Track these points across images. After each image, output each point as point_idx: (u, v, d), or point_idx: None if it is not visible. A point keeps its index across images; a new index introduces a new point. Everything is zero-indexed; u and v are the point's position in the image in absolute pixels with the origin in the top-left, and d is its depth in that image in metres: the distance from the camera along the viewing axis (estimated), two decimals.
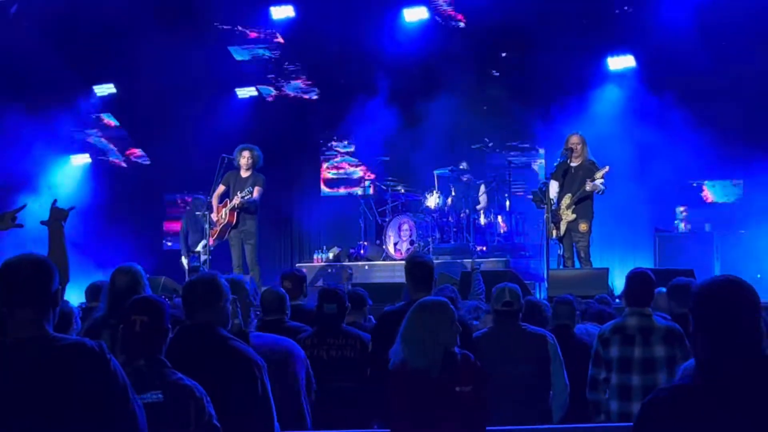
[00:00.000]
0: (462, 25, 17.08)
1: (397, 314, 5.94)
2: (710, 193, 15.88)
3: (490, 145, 16.11)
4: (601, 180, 11.86)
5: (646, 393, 5.66)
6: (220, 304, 4.47)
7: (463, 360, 5.00)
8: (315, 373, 5.72)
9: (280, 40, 17.89)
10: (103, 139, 19.11)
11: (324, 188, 18.69)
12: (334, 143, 18.68)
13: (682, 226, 14.97)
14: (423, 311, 4.97)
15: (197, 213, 15.01)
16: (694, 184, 15.75)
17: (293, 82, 18.40)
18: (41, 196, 15.98)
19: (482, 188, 14.88)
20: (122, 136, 19.10)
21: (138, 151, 19.16)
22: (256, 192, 12.85)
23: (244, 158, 12.98)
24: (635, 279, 6.33)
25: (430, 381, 4.86)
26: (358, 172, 18.44)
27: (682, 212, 15.66)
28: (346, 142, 18.55)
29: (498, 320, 6.39)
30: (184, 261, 14.88)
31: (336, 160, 18.69)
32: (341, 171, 18.70)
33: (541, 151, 16.89)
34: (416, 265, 6.19)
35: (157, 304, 4.16)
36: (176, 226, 19.05)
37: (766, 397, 2.84)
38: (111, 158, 19.23)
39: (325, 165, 18.76)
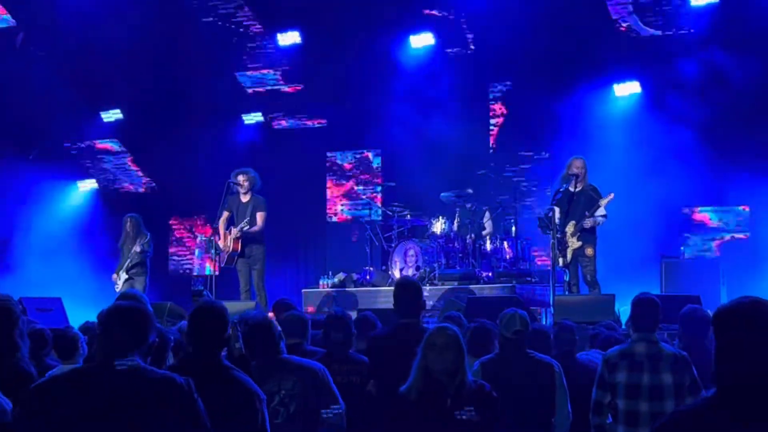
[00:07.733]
0: (468, 51, 17.15)
1: (384, 339, 6.05)
2: (714, 218, 15.85)
3: (495, 171, 16.05)
4: (604, 206, 11.97)
5: (653, 419, 5.66)
6: (223, 334, 4.52)
7: (478, 389, 5.04)
8: None
9: (287, 66, 17.95)
10: (109, 165, 19.16)
11: (331, 215, 18.65)
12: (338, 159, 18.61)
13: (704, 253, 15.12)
14: (435, 347, 5.03)
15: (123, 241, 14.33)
16: (700, 210, 15.72)
17: (298, 107, 18.44)
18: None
19: (487, 214, 14.86)
20: (129, 162, 19.15)
21: (144, 176, 19.19)
22: (260, 219, 12.93)
23: (240, 182, 13.12)
24: (641, 304, 6.33)
25: (441, 408, 4.90)
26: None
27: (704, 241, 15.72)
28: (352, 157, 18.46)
29: (505, 346, 6.37)
30: (115, 277, 14.22)
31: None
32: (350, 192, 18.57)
33: (547, 154, 16.78)
34: (403, 288, 6.26)
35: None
36: (182, 250, 19.14)
37: None
38: (117, 183, 19.27)
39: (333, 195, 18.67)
